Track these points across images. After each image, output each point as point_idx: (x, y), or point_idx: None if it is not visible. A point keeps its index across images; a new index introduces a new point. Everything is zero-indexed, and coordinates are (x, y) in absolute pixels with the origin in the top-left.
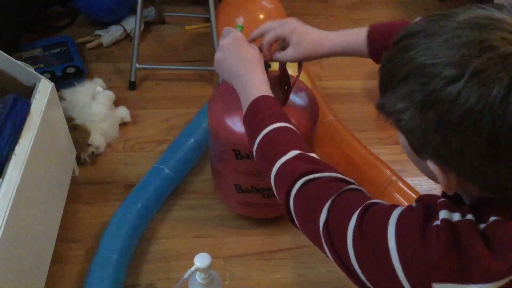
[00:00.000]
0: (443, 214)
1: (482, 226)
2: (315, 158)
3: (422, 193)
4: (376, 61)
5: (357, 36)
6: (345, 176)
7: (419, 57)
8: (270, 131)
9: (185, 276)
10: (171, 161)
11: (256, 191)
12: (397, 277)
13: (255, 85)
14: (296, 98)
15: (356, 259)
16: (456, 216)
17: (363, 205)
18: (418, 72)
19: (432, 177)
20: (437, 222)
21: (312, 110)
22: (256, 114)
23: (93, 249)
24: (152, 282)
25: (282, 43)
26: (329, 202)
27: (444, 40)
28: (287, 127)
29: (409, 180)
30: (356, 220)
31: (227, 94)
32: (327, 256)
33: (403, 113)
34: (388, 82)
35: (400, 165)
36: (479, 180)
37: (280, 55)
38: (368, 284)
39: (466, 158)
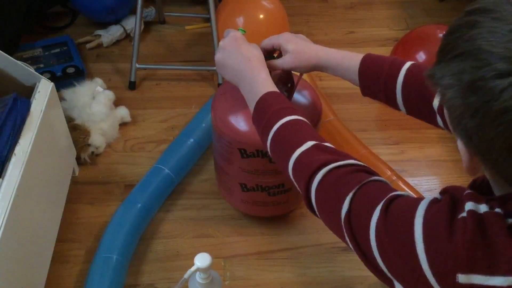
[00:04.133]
0: (469, 205)
1: (510, 220)
2: (332, 147)
3: (422, 193)
4: (362, 92)
5: (352, 57)
6: (366, 165)
7: (480, 40)
8: (282, 125)
9: (185, 276)
10: (171, 161)
11: (262, 190)
12: (420, 268)
13: (259, 82)
14: (299, 97)
15: (378, 250)
16: (483, 208)
17: (387, 197)
18: (474, 54)
19: (461, 156)
20: (463, 214)
21: (315, 108)
22: (265, 110)
23: (93, 249)
24: (152, 282)
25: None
26: (351, 193)
27: (510, 30)
28: (298, 119)
29: (409, 180)
30: (380, 212)
31: (230, 93)
32: (347, 245)
33: (448, 89)
34: (445, 53)
35: (400, 165)
36: (502, 172)
37: (276, 62)
38: (388, 274)
39: (494, 150)
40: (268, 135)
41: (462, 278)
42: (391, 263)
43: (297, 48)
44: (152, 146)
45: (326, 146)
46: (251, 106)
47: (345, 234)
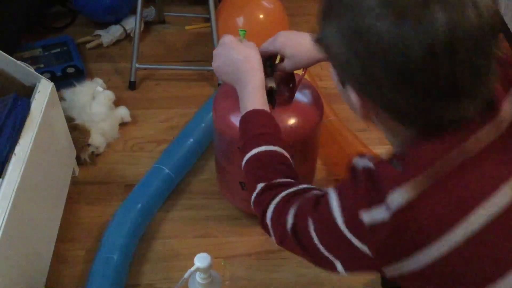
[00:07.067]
0: (363, 163)
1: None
2: (275, 183)
3: None
4: None
5: None
6: (297, 184)
7: None
8: (253, 155)
9: (185, 276)
10: (171, 161)
11: None
12: (342, 233)
13: (247, 94)
14: (302, 96)
15: (319, 239)
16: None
17: (312, 203)
18: (352, 6)
19: (353, 107)
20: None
21: (317, 107)
22: (245, 132)
23: (93, 249)
24: (152, 282)
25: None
26: (292, 211)
27: None
28: (265, 151)
29: None
30: (312, 216)
31: (231, 92)
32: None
33: (333, 42)
34: (325, 15)
35: None
36: (393, 108)
37: (278, 66)
38: (330, 256)
39: (381, 86)
40: (243, 158)
41: (365, 215)
42: (328, 244)
43: (295, 51)
44: (152, 146)
45: (272, 184)
46: (241, 108)
47: (289, 239)
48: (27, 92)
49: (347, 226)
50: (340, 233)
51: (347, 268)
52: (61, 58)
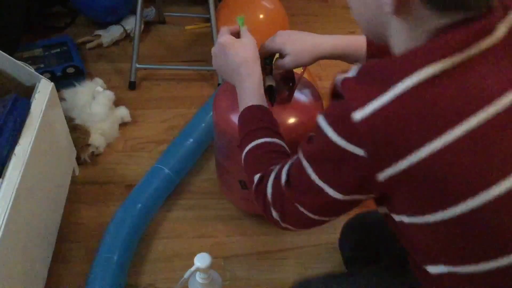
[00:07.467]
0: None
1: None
2: (270, 169)
3: None
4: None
5: (357, 38)
6: (280, 151)
7: None
8: (248, 150)
9: (185, 276)
10: (171, 161)
11: None
12: (332, 143)
13: (245, 93)
14: (301, 95)
15: (315, 171)
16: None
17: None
18: None
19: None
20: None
21: (317, 106)
22: (241, 129)
23: (93, 249)
24: (152, 282)
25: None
26: (285, 170)
27: None
28: (259, 144)
29: None
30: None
31: (231, 91)
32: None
33: None
34: None
35: None
36: None
37: (277, 63)
38: (318, 181)
39: None
40: (241, 155)
41: (358, 114)
42: (321, 168)
43: (295, 48)
44: (152, 146)
45: (269, 171)
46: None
47: (287, 199)
48: (27, 92)
49: (340, 134)
50: (333, 147)
51: (340, 190)
52: (61, 58)
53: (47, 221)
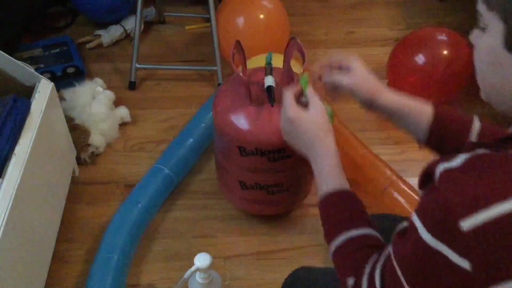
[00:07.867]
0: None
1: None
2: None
3: None
4: (428, 145)
5: (422, 107)
6: (374, 245)
7: None
8: (337, 245)
9: (185, 276)
10: (171, 161)
11: (260, 188)
12: (430, 247)
13: (325, 171)
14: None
15: (404, 277)
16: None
17: (393, 245)
18: None
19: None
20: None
21: None
22: (328, 214)
23: (93, 249)
24: (152, 282)
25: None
26: (378, 272)
27: None
28: (355, 237)
29: (409, 180)
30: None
31: (231, 91)
32: None
33: None
34: None
35: (400, 165)
36: None
37: (336, 76)
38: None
39: None
40: (329, 245)
41: (466, 222)
42: (414, 276)
43: (362, 70)
44: (152, 146)
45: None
46: (318, 190)
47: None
48: (27, 92)
49: (440, 239)
50: (430, 251)
51: None
52: (61, 58)
53: (47, 221)
